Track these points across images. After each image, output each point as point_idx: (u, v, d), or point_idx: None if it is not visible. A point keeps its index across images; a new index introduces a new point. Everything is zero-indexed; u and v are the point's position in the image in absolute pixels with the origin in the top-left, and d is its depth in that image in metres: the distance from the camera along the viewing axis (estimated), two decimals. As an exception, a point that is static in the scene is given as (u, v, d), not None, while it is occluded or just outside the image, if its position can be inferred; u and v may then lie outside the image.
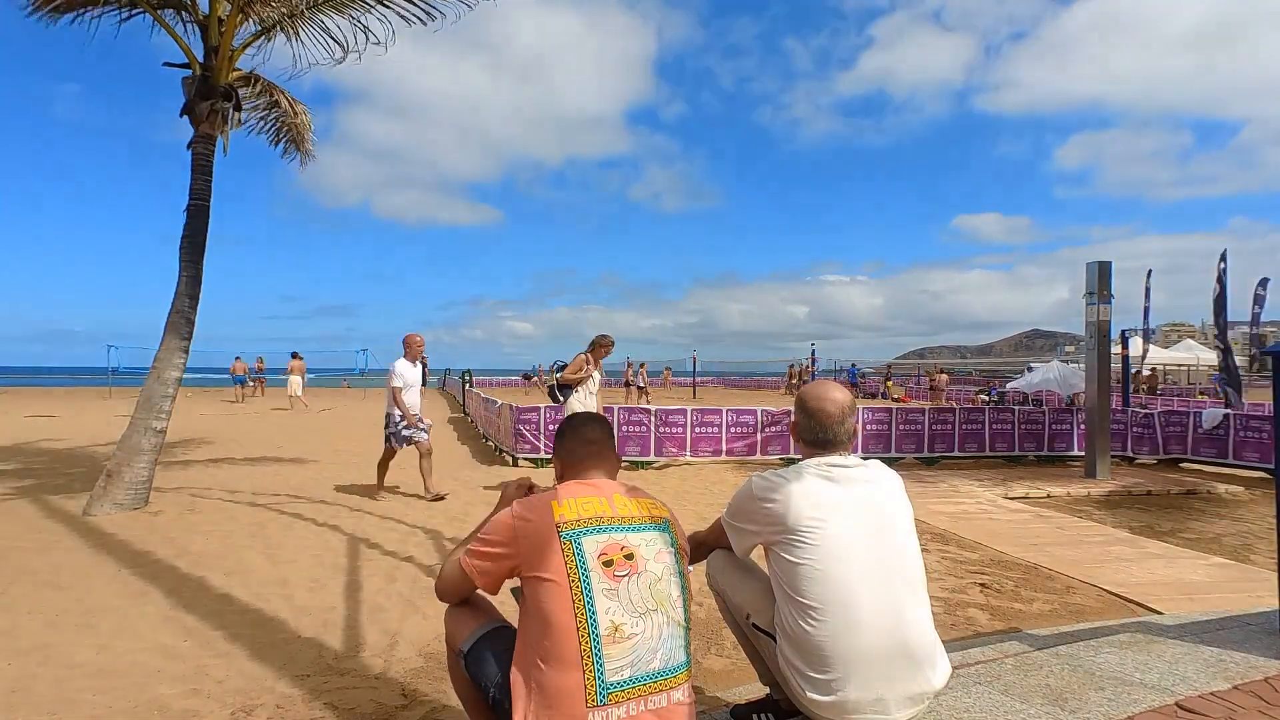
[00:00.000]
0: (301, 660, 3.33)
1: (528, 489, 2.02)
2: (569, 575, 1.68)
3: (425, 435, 7.37)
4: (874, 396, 33.64)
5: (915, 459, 11.27)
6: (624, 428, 10.25)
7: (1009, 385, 16.08)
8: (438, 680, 3.11)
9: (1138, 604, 4.32)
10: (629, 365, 29.90)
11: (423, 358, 7.83)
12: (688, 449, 10.50)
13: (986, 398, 25.46)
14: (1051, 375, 12.81)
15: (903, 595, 1.94)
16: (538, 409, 10.41)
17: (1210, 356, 31.55)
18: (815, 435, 2.11)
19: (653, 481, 8.92)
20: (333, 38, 7.65)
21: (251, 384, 27.97)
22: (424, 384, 7.79)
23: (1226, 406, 11.73)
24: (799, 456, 2.16)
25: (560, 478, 2.00)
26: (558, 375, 7.39)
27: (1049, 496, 8.36)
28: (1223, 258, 12.27)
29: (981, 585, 4.70)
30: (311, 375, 28.46)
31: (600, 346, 7.36)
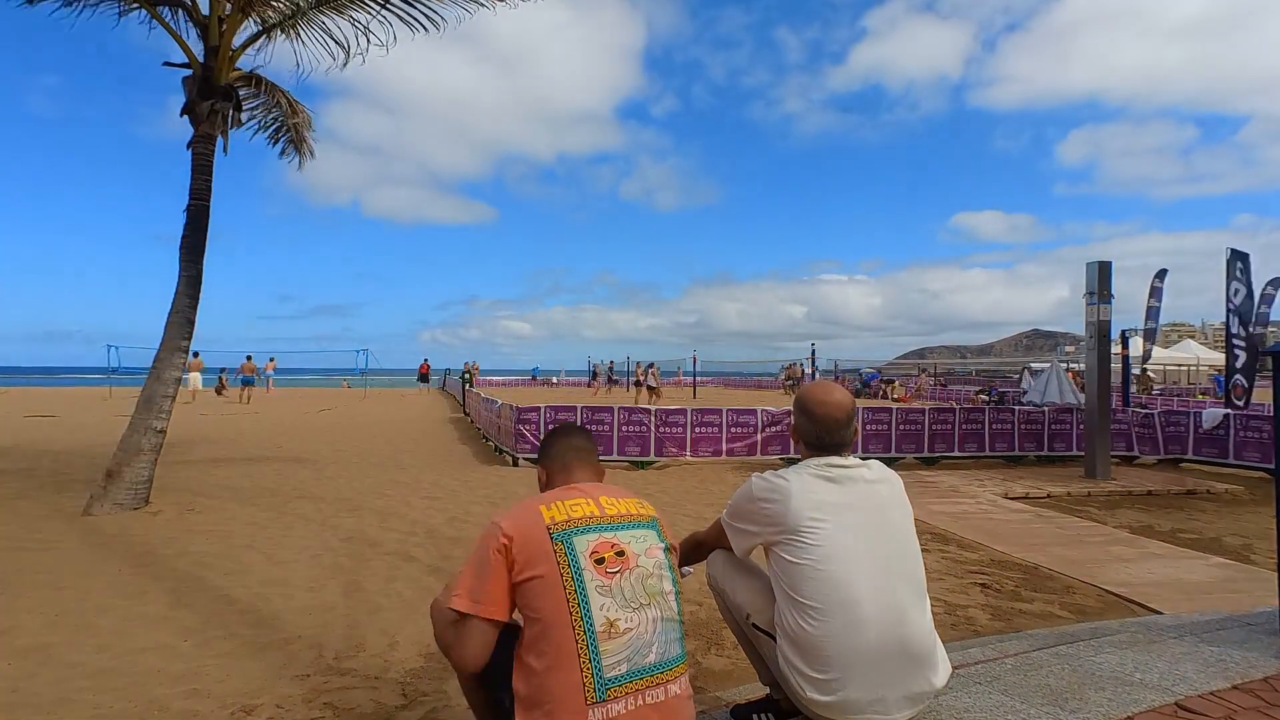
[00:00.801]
0: (301, 660, 3.33)
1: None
2: (562, 575, 1.69)
3: None
4: (875, 396, 33.69)
5: (915, 459, 11.27)
6: (624, 428, 10.25)
7: (1024, 398, 16.10)
8: (438, 680, 3.11)
9: (1138, 604, 4.32)
10: (638, 366, 30.18)
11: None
12: (688, 449, 10.51)
13: (986, 398, 25.48)
14: (1052, 386, 12.85)
15: (903, 595, 1.94)
16: (538, 409, 10.42)
17: (1210, 356, 31.53)
18: (816, 437, 2.12)
19: (653, 481, 8.92)
20: (333, 39, 7.66)
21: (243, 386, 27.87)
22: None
23: (1245, 395, 11.70)
24: (799, 456, 2.16)
25: (546, 485, 2.04)
26: None
27: (1049, 496, 8.37)
28: (1238, 256, 12.11)
29: (981, 585, 4.70)
30: (312, 376, 28.64)
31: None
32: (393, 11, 7.25)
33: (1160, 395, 26.40)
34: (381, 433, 15.55)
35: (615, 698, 1.63)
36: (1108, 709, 2.21)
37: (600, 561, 1.73)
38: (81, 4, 7.22)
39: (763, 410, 11.00)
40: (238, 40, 7.47)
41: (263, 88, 8.36)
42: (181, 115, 7.33)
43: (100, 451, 10.45)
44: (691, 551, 2.34)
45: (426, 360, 41.45)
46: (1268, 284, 14.18)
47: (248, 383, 26.52)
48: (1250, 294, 12.28)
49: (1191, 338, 42.90)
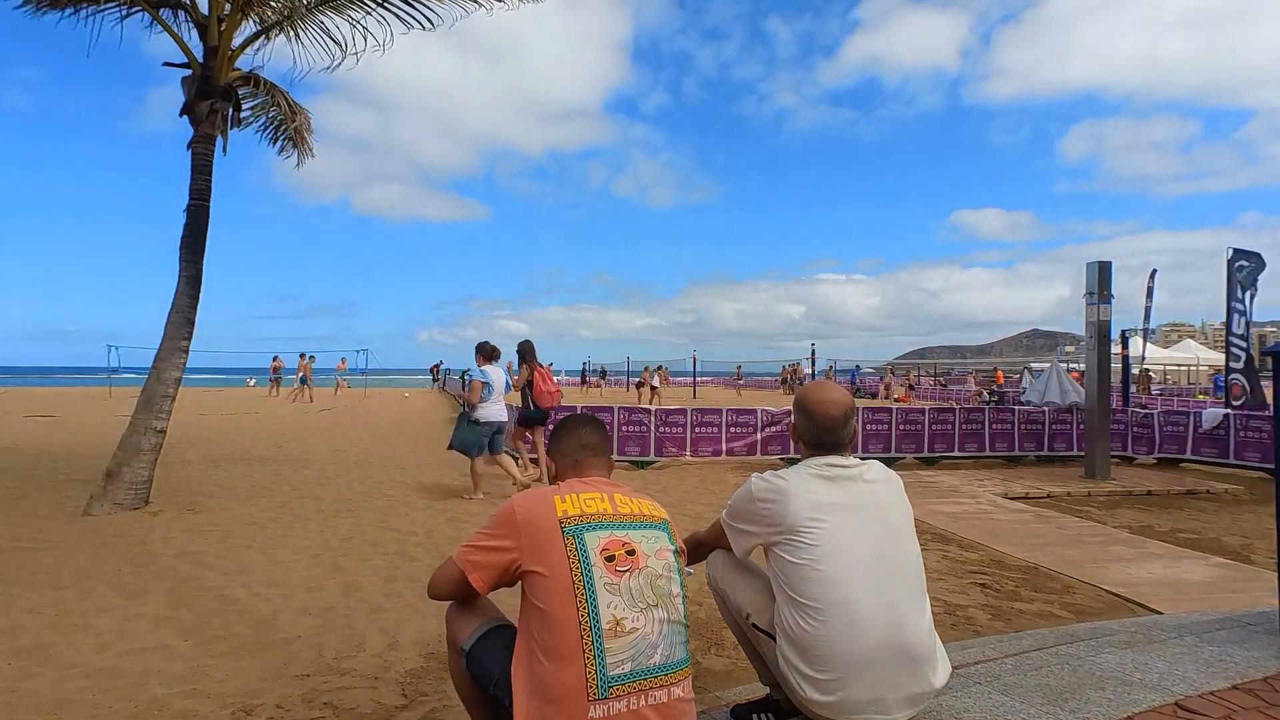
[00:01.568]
0: (301, 660, 3.33)
1: None
2: (571, 569, 1.69)
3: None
4: (874, 396, 33.73)
5: (915, 459, 11.27)
6: (624, 428, 10.25)
7: (1023, 397, 16.18)
8: (438, 680, 3.11)
9: (1138, 604, 4.32)
10: (646, 370, 30.51)
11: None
12: (688, 449, 10.50)
13: (986, 397, 25.51)
14: (1053, 385, 12.84)
15: (902, 595, 1.94)
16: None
17: (1210, 357, 31.54)
18: (815, 436, 2.12)
19: (652, 481, 8.92)
20: (332, 38, 7.65)
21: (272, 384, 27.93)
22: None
23: (1244, 395, 11.68)
24: (799, 456, 2.16)
25: (556, 477, 2.03)
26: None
27: (1049, 496, 8.37)
28: (1240, 255, 12.01)
29: (981, 585, 4.70)
30: (319, 376, 28.94)
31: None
32: (391, 10, 7.25)
33: (1160, 395, 26.42)
34: (381, 433, 15.54)
35: (617, 696, 1.63)
36: (1108, 709, 2.21)
37: (610, 559, 1.73)
38: (86, 9, 7.23)
39: (762, 410, 11.00)
40: (237, 40, 7.48)
41: (262, 88, 8.36)
42: (181, 115, 7.33)
43: (100, 451, 10.44)
44: (691, 552, 2.34)
45: (441, 362, 42.96)
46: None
47: (275, 380, 26.64)
48: (1253, 293, 12.24)
49: (1191, 338, 42.91)
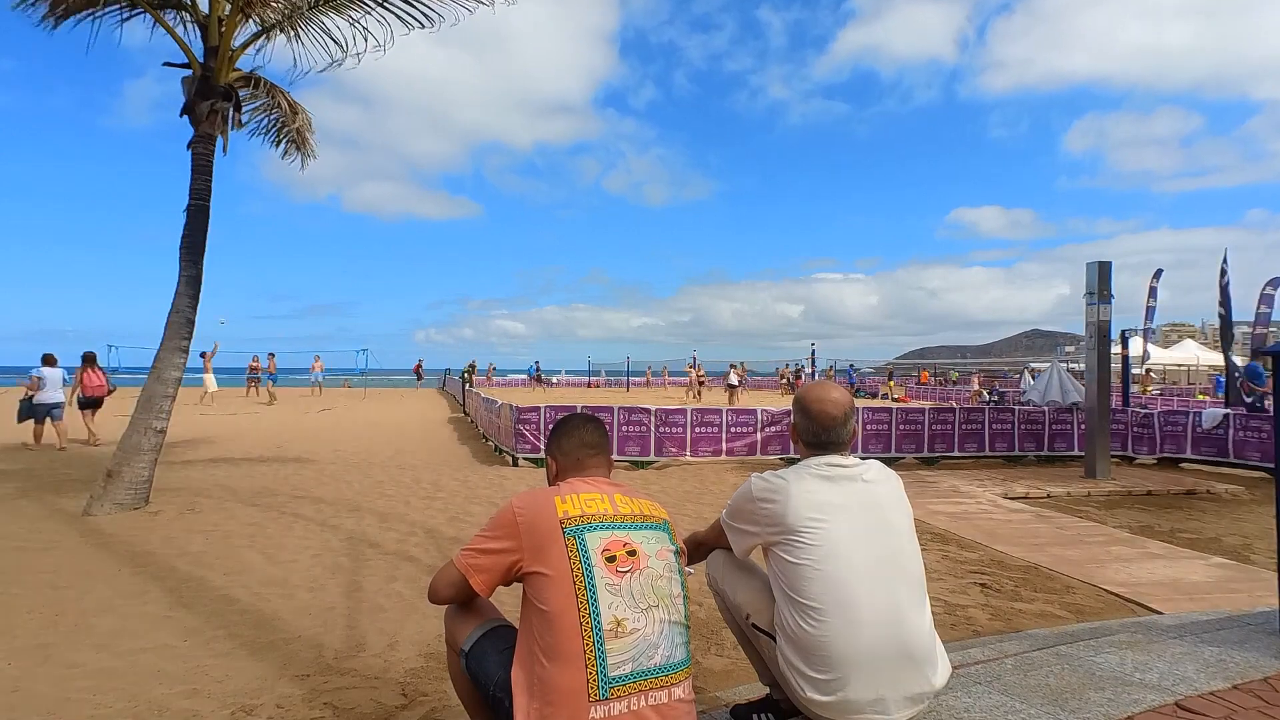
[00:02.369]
0: (301, 660, 3.33)
1: None
2: (573, 570, 1.68)
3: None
4: (873, 396, 33.74)
5: (915, 459, 11.27)
6: (624, 428, 10.25)
7: (1024, 397, 16.25)
8: (438, 680, 3.11)
9: (1138, 604, 4.32)
10: (692, 367, 30.53)
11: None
12: (688, 449, 10.51)
13: (986, 397, 25.52)
14: (1054, 383, 12.86)
15: (902, 595, 1.94)
16: (538, 409, 10.42)
17: (1211, 357, 31.52)
18: (815, 436, 2.12)
19: (652, 481, 8.92)
20: (332, 38, 7.65)
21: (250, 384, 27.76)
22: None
23: (1250, 396, 11.69)
24: (799, 457, 2.15)
25: (555, 477, 2.02)
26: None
27: (1049, 496, 8.37)
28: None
29: (981, 585, 4.70)
30: (320, 375, 28.97)
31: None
32: (391, 10, 7.25)
33: (1160, 395, 26.42)
34: (381, 433, 15.55)
35: (618, 697, 1.63)
36: (1108, 709, 2.21)
37: (611, 560, 1.72)
38: (88, 12, 7.23)
39: (762, 410, 11.01)
40: (237, 40, 7.47)
41: (262, 88, 8.36)
42: (181, 115, 7.33)
43: (100, 451, 10.45)
44: (691, 552, 2.34)
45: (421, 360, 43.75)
46: (1267, 284, 14.16)
47: (272, 380, 26.48)
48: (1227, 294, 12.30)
49: (1191, 338, 42.90)
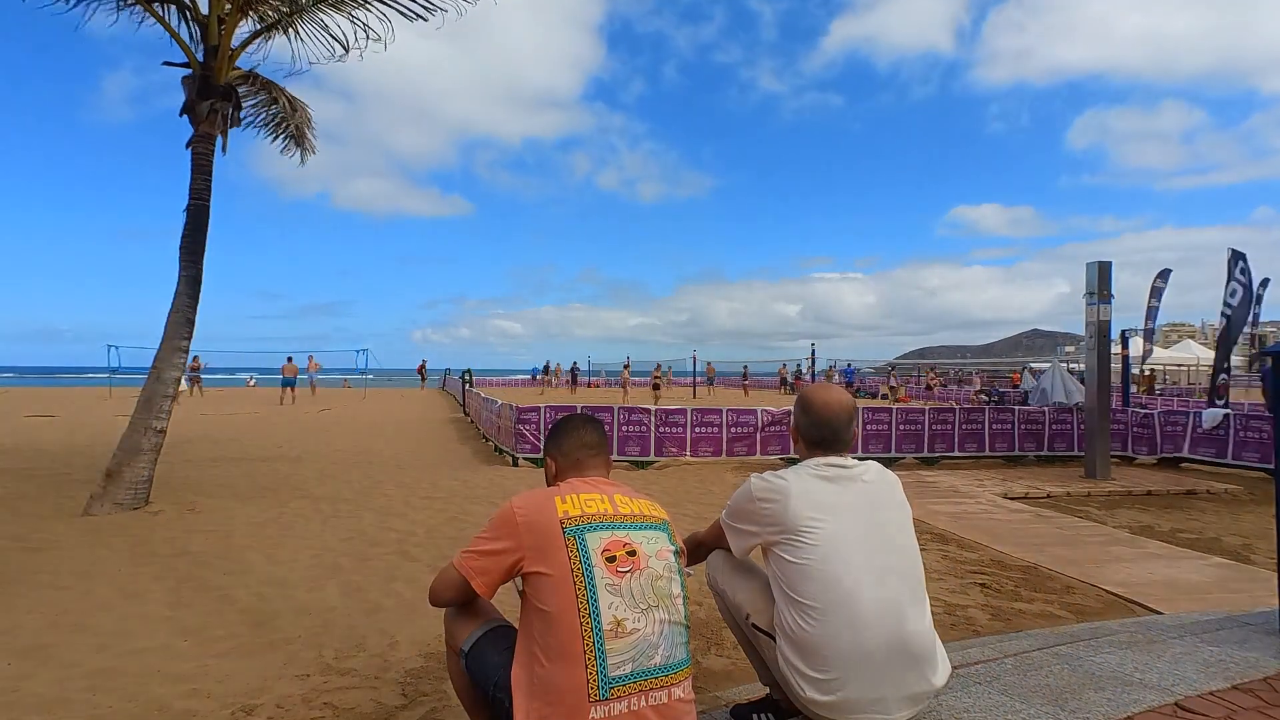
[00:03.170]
0: (301, 660, 3.33)
1: None
2: (573, 570, 1.68)
3: None
4: (873, 396, 33.74)
5: (915, 459, 11.27)
6: (624, 428, 10.25)
7: (1030, 400, 16.33)
8: (438, 680, 3.11)
9: (1138, 604, 4.32)
10: (656, 368, 31.30)
11: None
12: (688, 449, 10.50)
13: (986, 397, 25.52)
14: (1056, 384, 12.90)
15: (902, 595, 1.94)
16: (538, 409, 10.42)
17: (1210, 357, 31.52)
18: (816, 436, 2.11)
19: (653, 481, 8.92)
20: (332, 35, 7.65)
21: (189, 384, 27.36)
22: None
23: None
24: (799, 457, 2.15)
25: (555, 477, 2.02)
26: None
27: (1049, 496, 8.37)
28: (1238, 256, 12.06)
29: (981, 585, 4.70)
30: (323, 376, 29.02)
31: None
32: (391, 6, 7.25)
33: (1160, 395, 26.42)
34: (381, 433, 15.55)
35: (618, 697, 1.63)
36: (1108, 709, 2.21)
37: (611, 560, 1.72)
38: (80, 1, 7.19)
39: (763, 410, 11.00)
40: (237, 39, 7.47)
41: (261, 86, 8.36)
42: (181, 115, 7.33)
43: (100, 451, 10.44)
44: (691, 552, 2.34)
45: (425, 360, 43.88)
46: (1259, 284, 14.16)
47: (289, 384, 26.05)
48: (1249, 294, 12.24)
49: (1191, 338, 42.91)
